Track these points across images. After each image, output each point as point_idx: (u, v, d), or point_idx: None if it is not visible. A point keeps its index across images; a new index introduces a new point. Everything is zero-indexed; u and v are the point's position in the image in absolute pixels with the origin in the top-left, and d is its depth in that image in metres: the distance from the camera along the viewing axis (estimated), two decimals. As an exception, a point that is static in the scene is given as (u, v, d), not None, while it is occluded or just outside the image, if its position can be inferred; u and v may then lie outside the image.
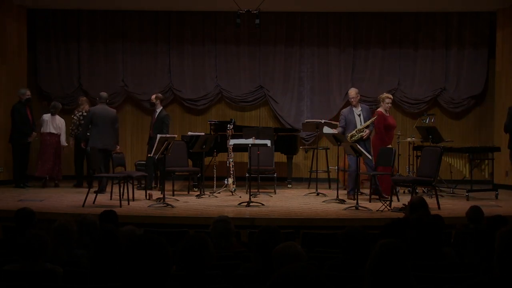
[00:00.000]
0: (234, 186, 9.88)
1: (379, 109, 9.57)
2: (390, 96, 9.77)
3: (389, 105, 9.59)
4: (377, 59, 12.36)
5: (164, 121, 10.41)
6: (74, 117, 11.10)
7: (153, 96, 10.71)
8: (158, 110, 10.54)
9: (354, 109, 9.66)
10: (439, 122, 11.77)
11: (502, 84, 11.35)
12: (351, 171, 9.38)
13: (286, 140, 10.92)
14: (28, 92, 10.89)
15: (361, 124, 9.56)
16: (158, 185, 10.33)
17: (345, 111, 9.79)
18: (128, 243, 2.87)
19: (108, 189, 9.45)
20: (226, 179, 9.91)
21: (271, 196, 9.79)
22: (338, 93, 12.36)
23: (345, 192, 10.08)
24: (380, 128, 9.46)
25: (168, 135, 8.87)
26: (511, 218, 7.09)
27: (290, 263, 3.39)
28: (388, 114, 9.55)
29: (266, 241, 3.94)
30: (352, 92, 9.77)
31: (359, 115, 9.64)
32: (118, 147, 10.59)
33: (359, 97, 9.80)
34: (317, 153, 10.76)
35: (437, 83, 12.26)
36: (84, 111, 11.03)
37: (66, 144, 11.25)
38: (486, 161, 10.10)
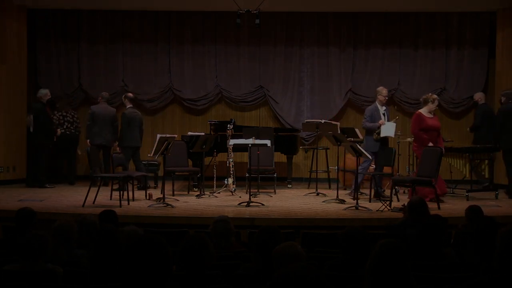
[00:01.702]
0: (234, 186, 9.88)
1: (419, 110, 9.29)
2: (437, 97, 9.53)
3: (436, 106, 9.36)
4: (377, 59, 12.36)
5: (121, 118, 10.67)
6: (54, 117, 11.21)
7: (123, 96, 10.90)
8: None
9: (380, 107, 9.63)
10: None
11: (502, 84, 11.34)
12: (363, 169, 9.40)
13: (286, 140, 10.91)
14: (49, 93, 10.93)
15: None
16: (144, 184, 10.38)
17: (370, 108, 9.70)
18: (128, 243, 2.87)
19: (108, 188, 9.45)
20: (226, 179, 9.91)
21: (271, 196, 9.79)
22: (338, 93, 12.36)
23: (345, 192, 10.09)
24: (414, 130, 9.18)
25: (168, 135, 8.87)
26: (511, 218, 7.10)
27: (290, 263, 3.39)
28: (432, 116, 9.25)
29: (266, 241, 3.94)
30: (385, 91, 9.74)
31: (384, 114, 9.62)
32: (116, 143, 10.90)
33: None
34: (317, 153, 10.76)
35: (437, 83, 12.26)
36: (64, 111, 11.42)
37: None
38: (486, 161, 10.10)
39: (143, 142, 12.27)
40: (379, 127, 9.45)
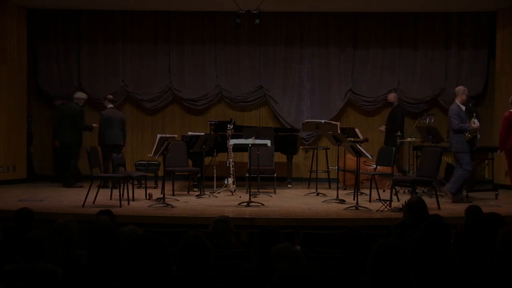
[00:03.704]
0: (234, 186, 9.88)
1: None
2: None
3: None
4: (377, 59, 12.35)
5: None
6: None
7: (103, 98, 11.27)
8: None
9: (462, 106, 9.36)
10: (439, 122, 11.75)
11: (502, 84, 11.35)
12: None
13: (286, 140, 10.91)
14: (86, 97, 11.36)
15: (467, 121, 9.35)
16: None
17: (455, 109, 9.30)
18: (129, 243, 2.87)
19: (108, 189, 9.44)
20: (226, 179, 9.91)
21: (271, 196, 9.79)
22: (338, 93, 12.35)
23: (345, 192, 10.06)
24: None
25: (168, 135, 8.86)
26: (511, 218, 7.10)
27: (288, 263, 3.39)
28: None
29: (266, 241, 3.94)
30: (467, 90, 9.50)
31: (466, 114, 9.43)
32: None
33: None
34: (317, 153, 10.75)
35: (437, 83, 12.26)
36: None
37: None
38: (486, 161, 10.09)
39: (143, 142, 12.36)
40: (473, 129, 9.23)
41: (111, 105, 10.96)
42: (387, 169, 9.73)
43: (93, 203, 8.55)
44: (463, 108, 9.38)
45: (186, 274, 3.43)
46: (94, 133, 11.23)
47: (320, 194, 9.90)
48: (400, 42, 12.34)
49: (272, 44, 12.41)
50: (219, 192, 9.77)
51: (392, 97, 11.61)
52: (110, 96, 11.17)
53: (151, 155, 8.80)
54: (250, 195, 8.83)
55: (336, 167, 10.02)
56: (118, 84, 12.37)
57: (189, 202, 9.02)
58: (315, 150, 10.91)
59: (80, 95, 11.21)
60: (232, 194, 9.72)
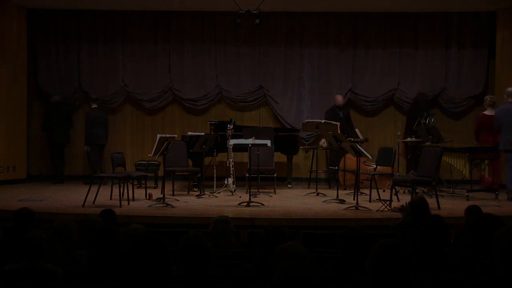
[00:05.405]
0: (234, 186, 9.88)
1: None
2: None
3: None
4: (377, 59, 12.35)
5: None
6: None
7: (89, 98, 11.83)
8: None
9: None
10: (439, 122, 11.74)
11: (502, 84, 11.32)
12: None
13: (286, 140, 10.91)
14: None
15: None
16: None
17: None
18: (129, 243, 2.88)
19: (108, 188, 9.44)
20: (226, 179, 9.91)
21: (271, 196, 9.79)
22: (338, 93, 12.31)
23: (345, 192, 10.05)
24: None
25: (168, 135, 8.87)
26: (511, 219, 7.11)
27: (290, 263, 3.39)
28: None
29: (270, 242, 3.93)
30: None
31: None
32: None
33: None
34: (317, 153, 10.75)
35: (437, 83, 12.25)
36: None
37: None
38: (486, 161, 10.09)
39: (143, 142, 12.36)
40: None
41: (95, 105, 11.52)
42: (387, 169, 9.74)
43: (93, 203, 8.55)
44: None
45: (186, 274, 3.43)
46: (76, 133, 11.76)
47: (320, 194, 9.90)
48: (400, 42, 12.33)
49: (272, 44, 12.41)
50: (219, 192, 9.77)
51: (340, 99, 11.62)
52: (94, 96, 11.64)
53: (151, 155, 8.80)
54: (250, 195, 8.83)
55: (336, 167, 10.01)
56: (118, 84, 12.36)
57: (189, 202, 9.02)
58: (315, 150, 10.90)
59: (76, 96, 11.94)
60: (232, 194, 9.72)
